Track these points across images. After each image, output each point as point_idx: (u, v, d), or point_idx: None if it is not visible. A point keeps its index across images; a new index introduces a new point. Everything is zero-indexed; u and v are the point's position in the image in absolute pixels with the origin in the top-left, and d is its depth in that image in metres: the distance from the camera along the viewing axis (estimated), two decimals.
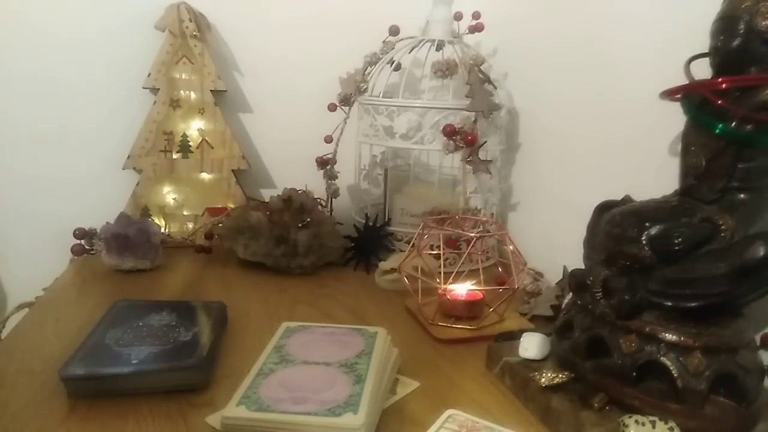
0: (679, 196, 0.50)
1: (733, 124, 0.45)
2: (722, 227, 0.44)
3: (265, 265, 0.82)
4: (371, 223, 0.87)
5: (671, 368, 0.43)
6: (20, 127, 0.92)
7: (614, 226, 0.49)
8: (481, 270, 0.70)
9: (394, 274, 0.75)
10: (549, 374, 0.49)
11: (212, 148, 0.94)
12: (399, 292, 0.73)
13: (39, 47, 0.90)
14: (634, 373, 0.45)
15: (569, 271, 0.54)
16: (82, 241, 0.85)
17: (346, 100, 0.88)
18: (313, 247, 0.82)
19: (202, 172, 0.95)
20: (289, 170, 1.01)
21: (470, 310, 0.66)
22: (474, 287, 0.67)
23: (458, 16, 0.89)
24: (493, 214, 0.92)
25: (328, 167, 0.91)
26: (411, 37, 0.90)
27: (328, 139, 0.90)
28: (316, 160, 0.92)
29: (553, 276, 0.76)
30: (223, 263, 0.86)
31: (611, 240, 0.49)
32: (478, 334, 0.63)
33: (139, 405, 0.48)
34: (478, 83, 0.81)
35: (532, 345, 0.53)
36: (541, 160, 0.88)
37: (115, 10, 0.91)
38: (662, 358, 0.44)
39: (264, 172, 1.04)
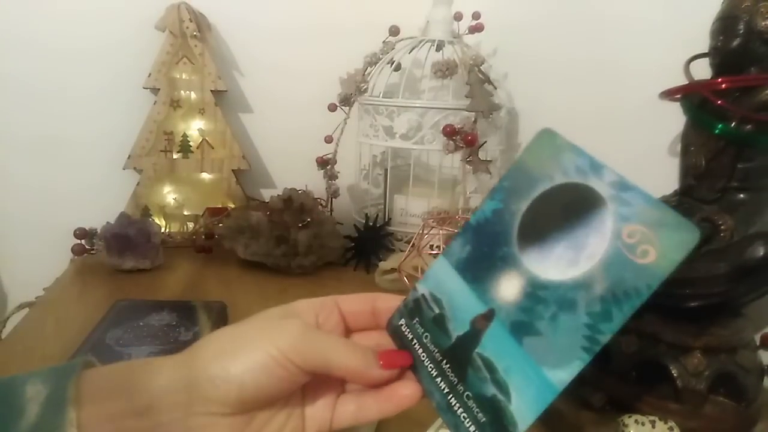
0: (679, 196, 0.50)
1: (733, 124, 0.45)
2: (722, 227, 0.44)
3: (265, 265, 0.82)
4: (371, 223, 0.87)
5: (671, 368, 0.43)
6: (20, 127, 0.92)
7: None
8: None
9: (394, 274, 0.75)
10: None
11: (212, 148, 0.94)
12: (399, 292, 0.73)
13: (39, 47, 0.90)
14: (634, 373, 0.45)
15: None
16: (83, 241, 0.85)
17: (346, 100, 0.88)
18: (313, 247, 0.82)
19: (202, 172, 0.95)
20: (289, 170, 1.01)
21: None
22: None
23: (458, 17, 0.89)
24: None
25: (328, 167, 0.91)
26: (411, 38, 0.90)
27: (328, 139, 0.91)
28: (317, 160, 0.92)
29: None
30: (223, 263, 0.86)
31: None
32: None
33: None
34: (478, 83, 0.81)
35: None
36: None
37: (115, 10, 0.91)
38: (662, 357, 0.44)
39: (264, 172, 1.04)
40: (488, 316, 0.28)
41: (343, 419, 0.33)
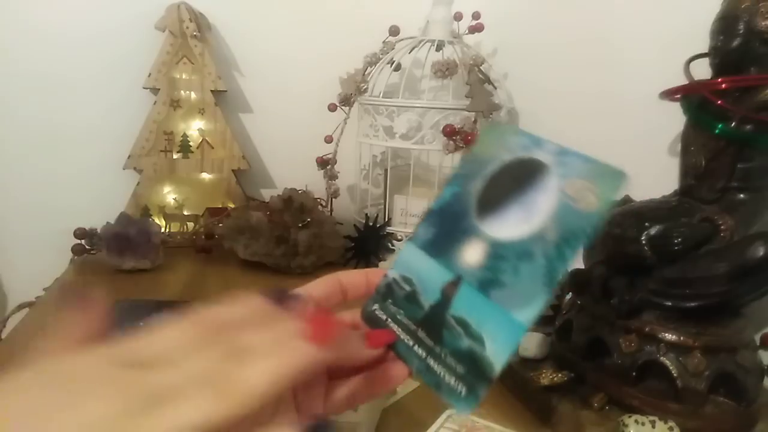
0: (679, 196, 0.50)
1: (733, 124, 0.45)
2: (722, 227, 0.45)
3: (266, 265, 0.82)
4: (371, 223, 0.87)
5: (671, 368, 0.43)
6: (21, 128, 0.92)
7: (614, 226, 0.49)
8: None
9: None
10: (549, 374, 0.49)
11: (212, 148, 0.94)
12: None
13: (40, 47, 0.90)
14: (634, 373, 0.45)
15: (569, 271, 0.54)
16: (83, 241, 0.85)
17: (346, 100, 0.88)
18: (313, 247, 0.82)
19: (202, 172, 0.95)
20: (289, 170, 1.01)
21: None
22: None
23: (458, 17, 0.89)
24: None
25: (328, 167, 0.91)
26: (411, 38, 0.90)
27: (329, 139, 0.91)
28: (317, 160, 0.92)
29: None
30: (223, 263, 0.86)
31: (611, 240, 0.49)
32: None
33: None
34: (478, 83, 0.81)
35: (532, 345, 0.53)
36: None
37: (115, 10, 0.91)
38: (662, 357, 0.44)
39: (264, 172, 1.04)
40: (456, 282, 0.32)
41: (336, 406, 0.34)
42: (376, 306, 0.35)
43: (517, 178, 0.32)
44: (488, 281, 0.31)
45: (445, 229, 0.33)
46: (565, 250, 0.29)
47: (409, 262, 0.34)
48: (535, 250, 0.30)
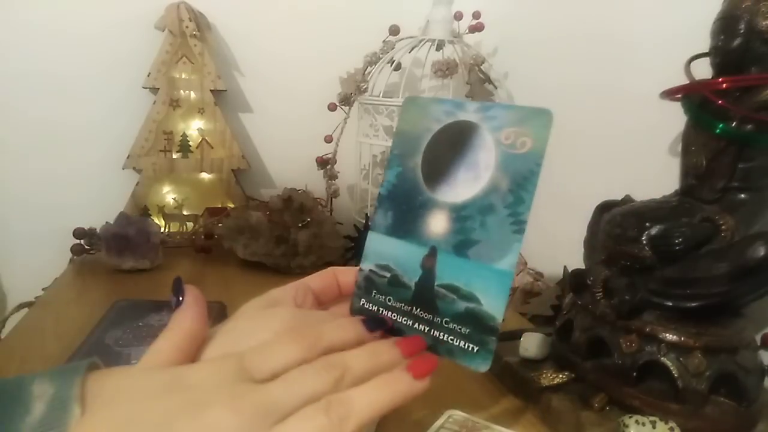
0: (680, 196, 0.50)
1: (734, 124, 0.45)
2: (722, 227, 0.44)
3: (265, 265, 0.82)
4: (371, 223, 0.86)
5: (671, 368, 0.43)
6: (21, 128, 0.92)
7: (614, 226, 0.49)
8: None
9: None
10: (549, 374, 0.49)
11: (212, 147, 0.94)
12: None
13: (39, 46, 0.90)
14: (634, 373, 0.45)
15: (569, 271, 0.54)
16: (82, 241, 0.85)
17: (346, 100, 0.88)
18: (313, 247, 0.82)
19: (202, 172, 0.95)
20: (289, 170, 1.01)
21: None
22: None
23: (458, 16, 0.89)
24: None
25: (328, 167, 0.91)
26: (411, 37, 0.89)
27: (328, 139, 0.90)
28: (316, 160, 0.92)
29: (553, 276, 0.76)
30: (223, 263, 0.86)
31: (611, 240, 0.49)
32: None
33: None
34: (478, 83, 0.81)
35: (532, 345, 0.53)
36: None
37: (115, 9, 0.91)
38: (662, 358, 0.44)
39: (264, 172, 1.04)
40: (432, 254, 0.33)
41: None
42: (362, 301, 0.36)
43: (452, 143, 0.33)
44: (461, 243, 0.32)
45: (402, 209, 0.34)
46: (521, 194, 0.31)
47: (379, 250, 0.35)
48: (494, 201, 0.31)
